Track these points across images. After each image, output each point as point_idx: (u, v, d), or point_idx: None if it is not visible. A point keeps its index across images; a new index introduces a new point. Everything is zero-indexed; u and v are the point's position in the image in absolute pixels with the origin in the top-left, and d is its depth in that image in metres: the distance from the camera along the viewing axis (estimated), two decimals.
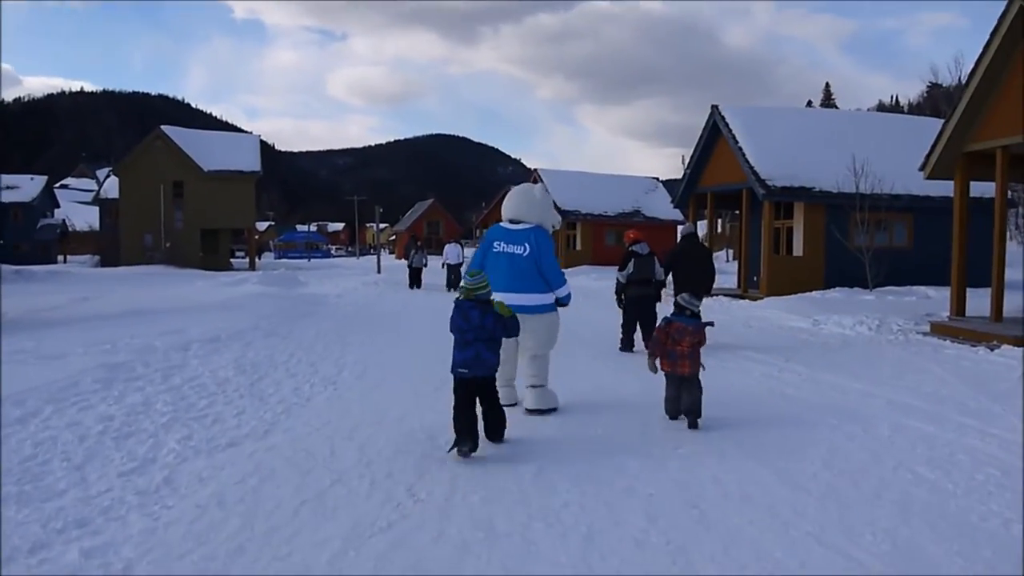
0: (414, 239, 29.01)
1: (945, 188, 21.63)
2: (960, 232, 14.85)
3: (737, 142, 22.80)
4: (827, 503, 4.76)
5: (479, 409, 5.95)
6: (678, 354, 6.81)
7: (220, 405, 7.37)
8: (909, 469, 5.44)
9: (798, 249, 23.24)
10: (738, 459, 5.71)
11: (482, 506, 4.67)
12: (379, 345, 11.94)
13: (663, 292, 12.19)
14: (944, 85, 51.68)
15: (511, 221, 7.42)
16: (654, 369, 7.02)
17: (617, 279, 11.84)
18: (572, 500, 4.78)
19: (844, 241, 21.54)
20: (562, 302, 7.42)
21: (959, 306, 14.95)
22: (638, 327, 11.58)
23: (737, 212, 40.81)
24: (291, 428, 6.55)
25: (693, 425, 6.64)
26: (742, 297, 22.73)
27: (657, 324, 7.36)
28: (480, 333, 5.84)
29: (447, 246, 26.66)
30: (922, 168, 15.60)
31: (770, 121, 23.98)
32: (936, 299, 19.13)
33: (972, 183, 15.29)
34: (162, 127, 47.34)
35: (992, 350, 11.77)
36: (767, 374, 9.54)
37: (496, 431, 6.08)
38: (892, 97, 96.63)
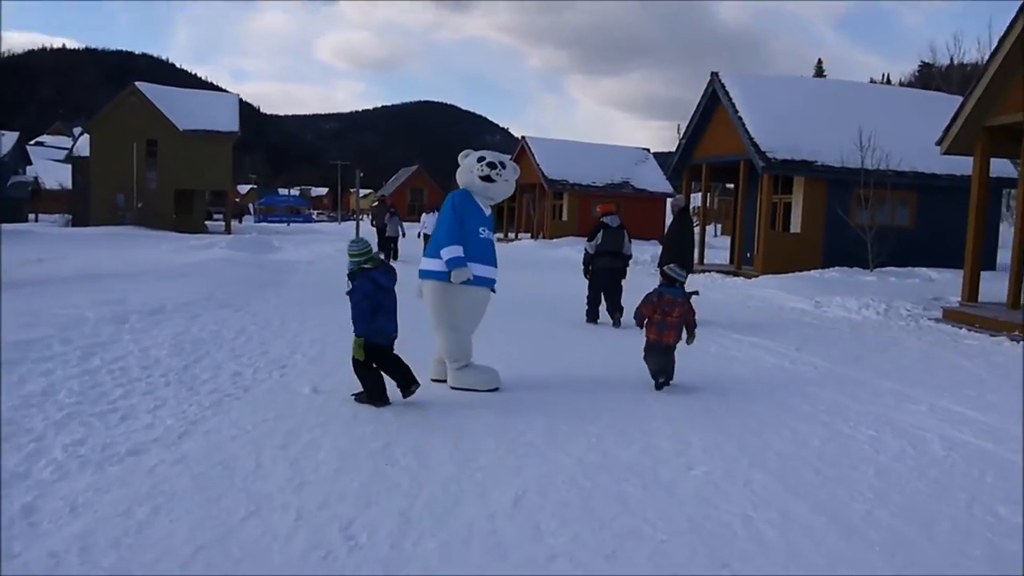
0: (384, 204, 27.15)
1: (951, 166, 20.72)
2: (977, 212, 13.74)
3: (737, 111, 21.56)
4: (895, 560, 3.61)
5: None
6: (668, 324, 7.05)
7: (137, 396, 6.13)
8: (987, 508, 4.29)
9: (796, 226, 22.14)
10: (770, 491, 4.55)
11: (441, 559, 3.50)
12: (344, 321, 10.64)
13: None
14: (937, 65, 50.34)
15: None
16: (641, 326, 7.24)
17: (585, 249, 11.75)
18: (560, 550, 3.61)
19: (846, 218, 20.43)
20: (448, 264, 6.67)
21: (972, 291, 13.86)
22: (603, 299, 11.57)
23: (730, 186, 39.75)
24: (215, 430, 5.33)
25: (662, 386, 6.95)
26: (736, 274, 21.61)
27: (646, 296, 7.30)
28: (383, 297, 6.17)
29: (425, 215, 25.27)
30: (939, 143, 14.44)
31: (772, 91, 22.72)
32: (940, 282, 18.12)
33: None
34: (136, 83, 45.36)
35: (1017, 342, 10.71)
36: (779, 366, 8.41)
37: (408, 378, 6.23)
38: (884, 76, 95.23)
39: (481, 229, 6.91)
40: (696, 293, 7.41)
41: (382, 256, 6.60)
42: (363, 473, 4.56)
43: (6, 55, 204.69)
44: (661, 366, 6.98)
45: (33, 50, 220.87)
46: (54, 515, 3.81)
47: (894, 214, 21.73)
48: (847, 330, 11.71)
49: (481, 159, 6.98)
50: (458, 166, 7.17)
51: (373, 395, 6.11)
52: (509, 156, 7.27)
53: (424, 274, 6.93)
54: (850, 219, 20.40)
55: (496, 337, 9.42)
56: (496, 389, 6.76)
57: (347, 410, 5.94)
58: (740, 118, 21.34)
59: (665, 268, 7.36)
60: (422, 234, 24.96)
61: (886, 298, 14.77)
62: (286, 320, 10.60)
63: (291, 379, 6.96)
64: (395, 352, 6.30)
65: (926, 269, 19.99)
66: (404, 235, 24.90)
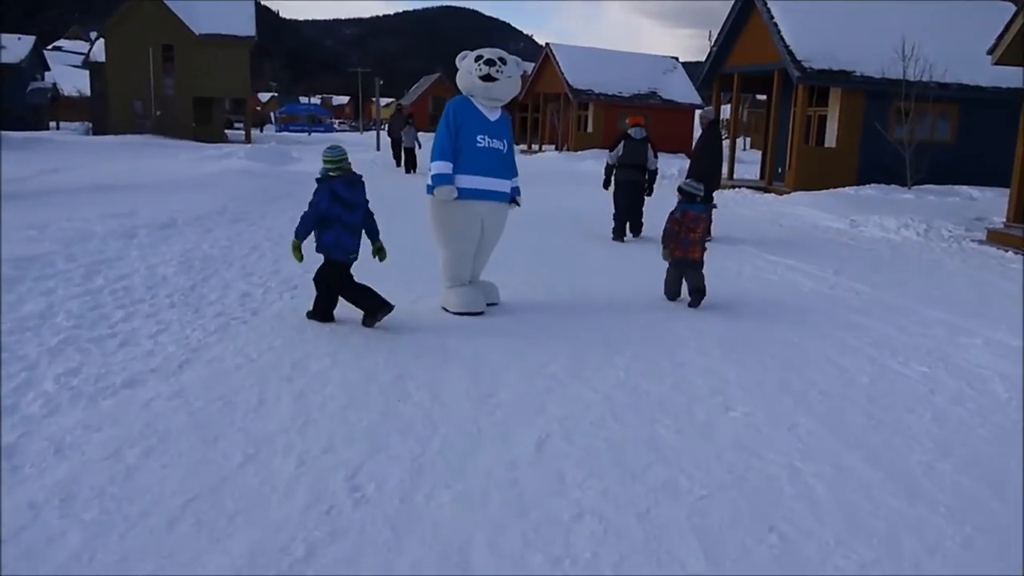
0: (400, 113, 26.33)
1: (997, 78, 19.66)
2: None
3: (772, 17, 20.45)
4: (964, 527, 3.24)
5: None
6: (691, 241, 6.99)
7: (140, 319, 5.80)
8: None
9: (831, 140, 21.24)
10: (817, 438, 4.16)
11: (455, 515, 3.16)
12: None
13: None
14: None
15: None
16: (668, 257, 7.10)
17: (607, 161, 11.43)
18: (587, 507, 3.26)
19: (884, 133, 19.55)
20: (432, 182, 6.34)
21: (1018, 211, 13.18)
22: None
23: (761, 97, 38.40)
24: (218, 358, 4.99)
25: (697, 303, 6.90)
26: (766, 191, 20.90)
27: (670, 215, 7.13)
28: (364, 211, 5.99)
29: None
30: (990, 51, 13.53)
31: None
32: (981, 201, 17.38)
33: None
34: None
35: None
36: (818, 292, 7.95)
37: (380, 302, 5.88)
38: None
39: (480, 138, 6.34)
40: (715, 206, 7.40)
41: (394, 164, 6.15)
42: (373, 411, 4.21)
43: None
44: (696, 284, 6.92)
45: None
46: (38, 458, 3.50)
47: (934, 129, 20.76)
48: (887, 252, 11.19)
49: (479, 57, 6.41)
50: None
51: (315, 310, 6.00)
52: (504, 52, 6.62)
53: (426, 189, 6.55)
54: (888, 134, 19.53)
55: (518, 254, 9.03)
56: (476, 314, 6.37)
57: (359, 337, 5.58)
58: (775, 24, 20.26)
59: (681, 184, 7.22)
60: None
61: (926, 218, 14.14)
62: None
63: (302, 301, 6.58)
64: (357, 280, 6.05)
65: (967, 187, 19.23)
66: (420, 146, 23.43)
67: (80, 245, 8.18)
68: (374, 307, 5.81)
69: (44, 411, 4.02)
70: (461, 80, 6.51)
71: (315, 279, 6.03)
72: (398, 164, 24.33)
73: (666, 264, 7.21)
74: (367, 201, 6.05)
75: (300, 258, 5.88)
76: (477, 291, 6.56)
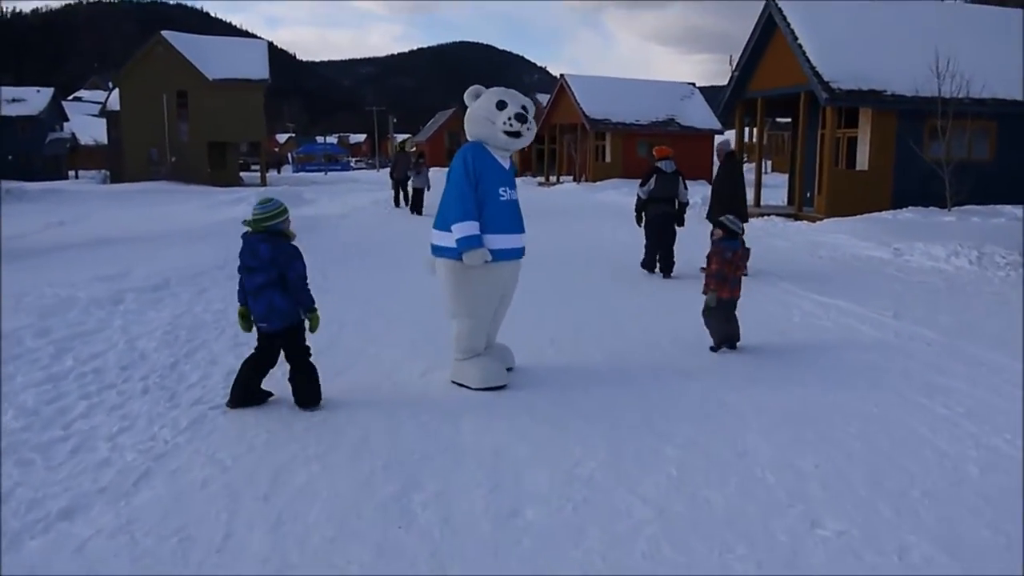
0: (405, 152, 25.07)
1: None
2: None
3: (796, 38, 19.62)
4: None
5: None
6: (738, 280, 6.70)
7: (103, 412, 4.97)
8: None
9: (862, 162, 20.27)
10: (938, 565, 3.24)
11: None
12: (369, 293, 9.50)
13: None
14: None
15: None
16: (714, 302, 6.58)
17: (638, 195, 11.11)
18: None
19: (919, 152, 18.57)
20: (458, 246, 5.42)
21: None
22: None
23: (781, 120, 37.52)
24: (184, 468, 4.13)
25: (733, 346, 6.66)
26: (797, 217, 19.94)
27: (714, 254, 6.70)
28: (271, 274, 4.97)
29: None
30: None
31: (834, 14, 20.64)
32: None
33: None
34: (163, 32, 44.09)
35: None
36: (882, 341, 7.00)
37: (305, 395, 5.09)
38: None
39: (502, 190, 5.56)
40: (748, 249, 6.97)
41: (273, 226, 5.10)
42: (366, 545, 3.33)
43: (44, 11, 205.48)
44: (734, 328, 6.69)
45: (70, 4, 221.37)
46: None
47: (971, 147, 19.79)
48: (942, 285, 10.22)
49: (502, 104, 5.55)
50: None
51: (232, 391, 5.18)
52: (526, 98, 5.77)
53: (435, 251, 5.68)
54: (923, 153, 18.57)
55: (541, 304, 8.21)
56: (499, 388, 5.53)
57: (356, 430, 4.70)
58: (800, 46, 19.43)
59: (725, 221, 6.80)
60: None
61: (974, 243, 13.13)
62: None
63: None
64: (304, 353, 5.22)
65: (1010, 207, 18.19)
66: (430, 188, 21.21)
67: (58, 316, 7.40)
68: (300, 397, 5.10)
69: None
70: (476, 125, 5.64)
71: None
72: (397, 205, 23.15)
73: (702, 306, 6.76)
74: (288, 265, 5.06)
75: (246, 328, 5.24)
76: (496, 361, 5.71)
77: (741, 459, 4.26)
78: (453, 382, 5.66)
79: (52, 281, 9.18)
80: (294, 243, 5.19)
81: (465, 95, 5.78)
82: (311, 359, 5.22)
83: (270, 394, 5.23)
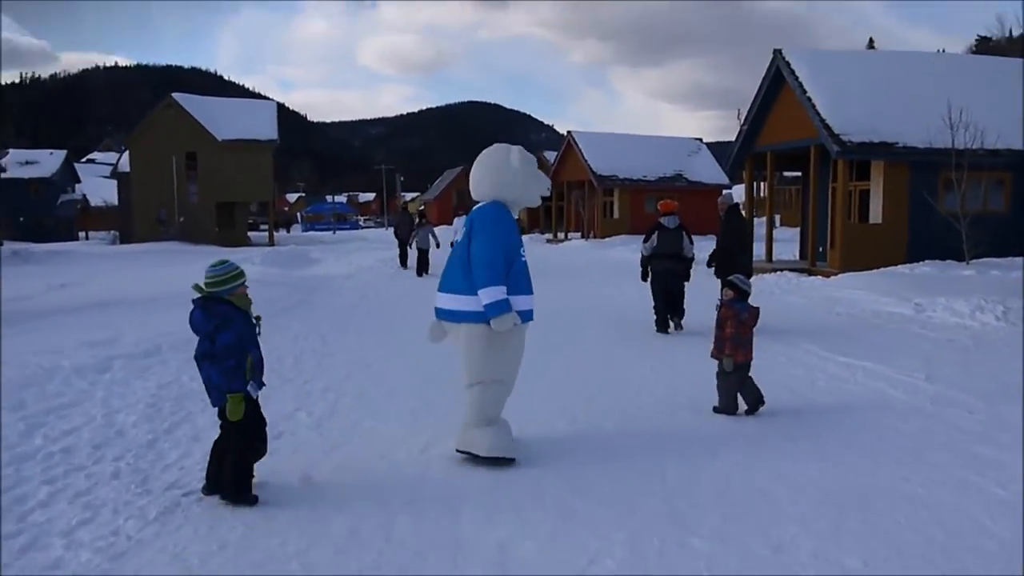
0: (406, 212, 24.78)
1: None
2: None
3: (805, 92, 19.41)
4: None
5: None
6: (749, 341, 6.49)
7: (65, 500, 4.50)
8: None
9: (875, 215, 19.89)
10: None
11: None
12: (370, 358, 9.06)
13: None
14: (994, 39, 46.98)
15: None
16: (731, 366, 6.33)
17: (641, 252, 11.02)
18: None
19: (934, 205, 18.18)
20: (488, 312, 5.03)
21: None
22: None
23: (788, 174, 37.34)
24: (144, 569, 3.65)
25: (755, 410, 6.34)
26: (810, 272, 19.48)
27: (728, 316, 6.44)
28: (204, 345, 4.49)
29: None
30: None
31: (842, 67, 20.51)
32: None
33: None
34: (173, 95, 44.51)
35: None
36: (917, 407, 6.49)
37: (225, 485, 4.50)
38: (940, 51, 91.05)
39: (522, 251, 5.36)
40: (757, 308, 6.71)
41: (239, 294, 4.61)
42: None
43: (62, 75, 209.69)
44: (754, 390, 6.40)
45: (87, 69, 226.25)
46: None
47: (987, 198, 19.40)
48: (970, 343, 9.72)
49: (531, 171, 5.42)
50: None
51: (207, 475, 4.69)
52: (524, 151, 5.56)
53: (455, 316, 5.22)
54: (939, 206, 18.18)
55: (550, 369, 7.78)
56: (509, 461, 5.11)
57: (344, 519, 4.22)
58: (809, 99, 19.20)
59: (736, 281, 6.62)
60: (454, 243, 22.71)
61: (998, 297, 12.63)
62: (301, 356, 9.04)
63: (282, 459, 5.27)
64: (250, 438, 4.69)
65: None
66: (439, 246, 21.14)
67: (36, 388, 6.96)
68: (229, 485, 4.51)
69: None
70: (511, 186, 5.37)
71: None
72: (403, 265, 22.80)
73: (716, 369, 6.50)
74: (216, 332, 4.47)
75: (238, 415, 4.58)
76: (509, 433, 5.28)
77: (777, 555, 3.75)
78: (458, 451, 5.19)
79: (39, 347, 8.77)
80: (251, 312, 4.64)
81: (511, 155, 5.40)
82: (245, 449, 4.59)
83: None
